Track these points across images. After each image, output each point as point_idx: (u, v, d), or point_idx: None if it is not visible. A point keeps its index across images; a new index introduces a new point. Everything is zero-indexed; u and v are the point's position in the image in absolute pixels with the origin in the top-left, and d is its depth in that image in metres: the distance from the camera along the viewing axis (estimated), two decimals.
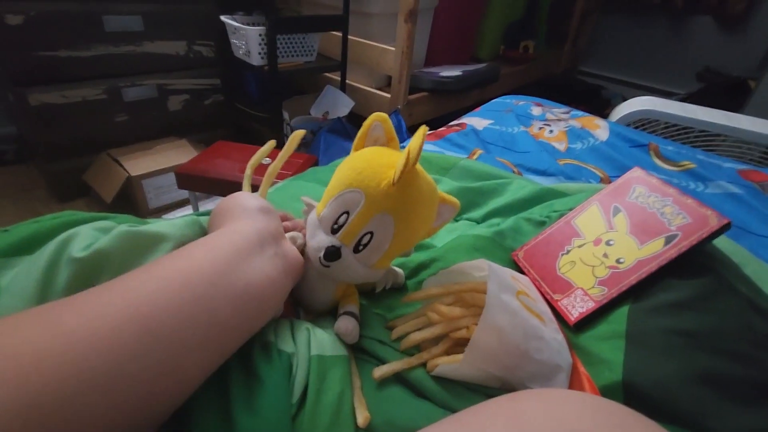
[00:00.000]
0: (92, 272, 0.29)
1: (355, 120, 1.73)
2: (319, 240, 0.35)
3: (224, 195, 1.35)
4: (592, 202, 0.45)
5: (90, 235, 0.32)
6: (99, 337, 0.21)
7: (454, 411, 0.33)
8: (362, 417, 0.31)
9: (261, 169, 1.19)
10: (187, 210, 1.52)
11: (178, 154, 1.54)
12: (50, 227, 0.32)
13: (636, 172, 0.45)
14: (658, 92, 2.43)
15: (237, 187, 1.13)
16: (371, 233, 0.34)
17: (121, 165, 1.43)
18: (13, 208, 1.47)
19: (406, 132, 1.58)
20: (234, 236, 0.31)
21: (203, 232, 0.39)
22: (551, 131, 0.93)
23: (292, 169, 1.05)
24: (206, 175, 1.03)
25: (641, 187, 0.43)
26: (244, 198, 0.37)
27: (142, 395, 0.22)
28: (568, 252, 0.43)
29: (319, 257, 0.35)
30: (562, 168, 0.80)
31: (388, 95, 1.65)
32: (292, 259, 0.35)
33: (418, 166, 0.34)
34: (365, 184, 0.33)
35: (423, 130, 0.32)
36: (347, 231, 0.34)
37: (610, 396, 0.33)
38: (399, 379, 0.35)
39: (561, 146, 0.88)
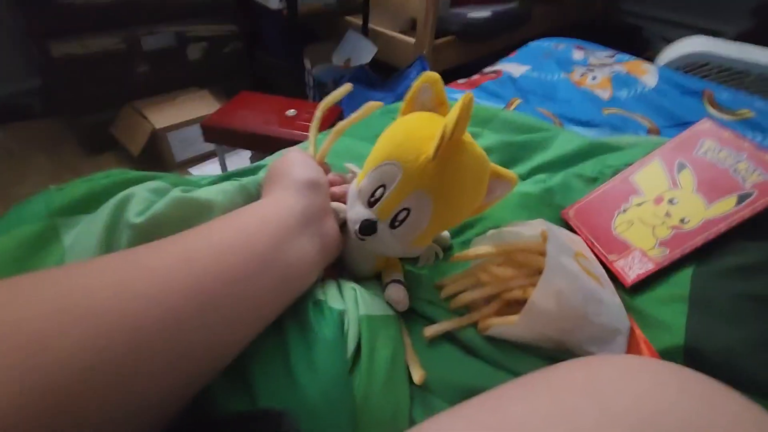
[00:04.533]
0: (149, 236, 0.30)
1: (379, 68, 1.66)
2: (356, 212, 0.33)
3: (251, 148, 1.33)
4: (653, 157, 0.42)
5: (144, 197, 0.31)
6: (168, 297, 0.21)
7: (506, 370, 0.33)
8: (418, 375, 0.32)
9: (287, 121, 1.15)
10: (214, 164, 1.52)
11: (200, 105, 1.52)
12: (104, 186, 0.32)
13: (705, 125, 0.41)
14: (703, 31, 2.22)
15: (264, 140, 1.10)
16: (408, 210, 0.31)
17: (145, 118, 1.42)
18: (47, 162, 1.50)
19: None
20: (281, 211, 0.31)
21: (250, 198, 0.39)
22: (594, 78, 0.87)
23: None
24: (233, 128, 1.01)
25: (711, 140, 0.39)
26: (296, 166, 0.36)
27: (192, 362, 0.22)
28: (625, 211, 0.40)
29: (355, 230, 0.33)
30: (606, 118, 0.75)
31: (413, 40, 1.56)
32: (329, 239, 0.34)
33: (467, 137, 0.31)
34: (403, 157, 0.30)
35: (466, 98, 0.27)
36: (383, 206, 0.32)
37: (670, 359, 0.32)
38: (449, 338, 0.35)
39: (605, 94, 0.82)
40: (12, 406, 0.15)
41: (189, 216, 0.32)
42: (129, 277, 0.21)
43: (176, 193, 0.33)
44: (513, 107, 0.77)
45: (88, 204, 0.31)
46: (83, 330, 0.17)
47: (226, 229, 0.27)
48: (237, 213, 0.30)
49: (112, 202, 0.30)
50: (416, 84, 0.34)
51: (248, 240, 0.27)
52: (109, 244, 0.29)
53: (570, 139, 0.56)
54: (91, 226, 0.29)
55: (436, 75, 0.33)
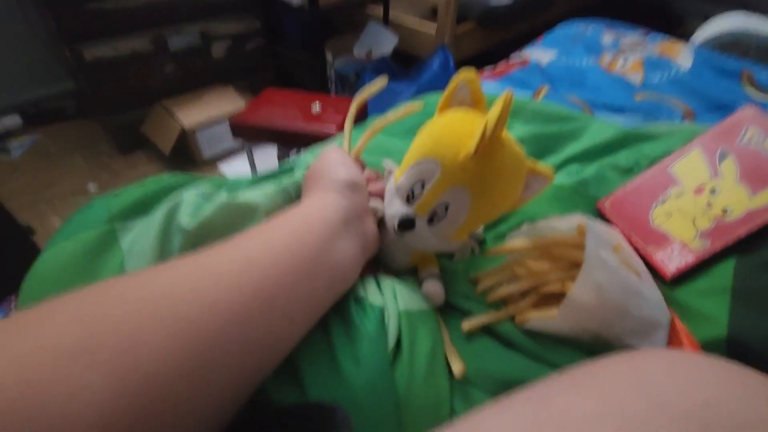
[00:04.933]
0: (199, 240, 0.32)
1: (401, 58, 1.65)
2: (395, 209, 0.34)
3: (279, 143, 1.33)
4: (693, 146, 0.41)
5: (193, 201, 0.33)
6: (236, 300, 0.22)
7: (545, 362, 0.33)
8: (458, 368, 0.32)
9: (312, 116, 1.16)
10: (241, 159, 1.55)
11: (225, 101, 1.55)
12: (155, 191, 0.34)
13: (748, 111, 0.40)
14: (738, 4, 2.10)
15: (292, 136, 1.11)
16: (446, 206, 0.32)
17: (174, 116, 1.46)
18: (83, 162, 1.56)
19: (453, 68, 1.49)
20: (326, 213, 0.32)
21: (289, 199, 0.40)
22: (625, 62, 0.84)
23: (342, 114, 1.03)
24: (261, 125, 1.03)
25: (755, 128, 0.38)
26: (335, 167, 0.37)
27: (257, 359, 0.24)
28: (664, 202, 0.40)
29: (394, 226, 0.34)
30: (638, 104, 0.73)
31: (434, 28, 1.54)
32: (369, 237, 0.35)
33: (505, 134, 0.32)
34: (442, 154, 0.31)
35: (507, 97, 0.28)
36: (422, 202, 0.33)
37: (712, 352, 0.32)
38: (487, 331, 0.36)
39: (637, 78, 0.80)
40: (109, 408, 0.16)
41: (235, 219, 0.34)
42: (202, 283, 0.22)
43: (222, 197, 0.34)
44: (541, 96, 0.76)
45: (142, 208, 0.33)
46: (168, 336, 0.19)
47: (278, 232, 0.29)
48: (285, 216, 0.31)
49: (164, 206, 0.32)
50: (453, 82, 0.34)
51: (298, 243, 0.28)
52: (163, 247, 0.31)
53: (603, 128, 0.55)
54: (146, 230, 0.31)
55: (473, 73, 0.34)
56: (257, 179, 0.43)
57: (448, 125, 0.33)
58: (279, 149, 1.19)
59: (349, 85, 1.61)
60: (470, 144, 0.29)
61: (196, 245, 0.31)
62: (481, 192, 0.31)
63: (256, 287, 0.23)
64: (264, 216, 0.36)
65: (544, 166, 0.35)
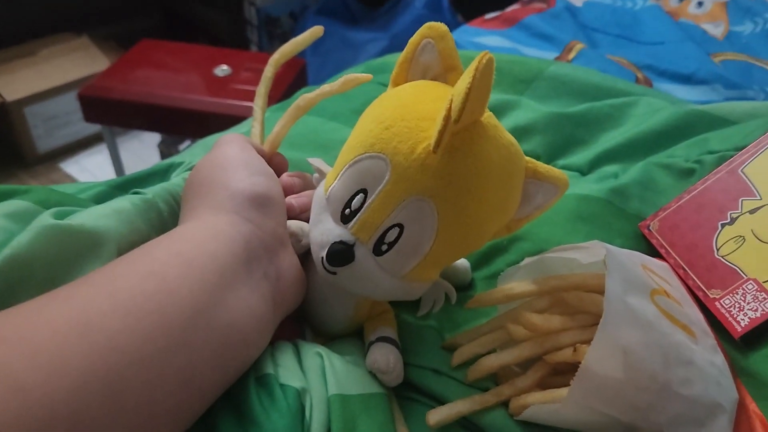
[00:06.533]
0: (8, 285, 0.32)
1: None
2: (324, 231, 0.36)
3: (159, 130, 1.33)
4: None
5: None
6: (57, 387, 0.23)
7: None
8: None
9: (216, 84, 1.16)
10: (100, 155, 1.55)
11: (77, 61, 1.55)
12: None
13: None
14: None
15: (179, 117, 1.11)
16: (400, 226, 0.34)
17: None
18: None
19: (449, 10, 1.55)
20: (214, 247, 0.33)
21: (161, 221, 0.42)
22: (700, 4, 0.90)
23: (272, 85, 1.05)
24: (132, 99, 1.03)
25: None
26: (233, 170, 0.38)
27: None
28: (734, 221, 0.43)
29: (322, 258, 0.36)
30: (718, 69, 0.78)
31: None
32: (286, 283, 0.37)
33: (488, 117, 0.34)
34: (392, 147, 0.33)
35: (482, 59, 0.28)
36: (363, 220, 0.34)
37: None
38: (467, 426, 0.38)
39: (717, 30, 0.86)
40: None
41: (67, 255, 0.35)
42: (5, 360, 0.23)
43: (46, 219, 0.34)
44: (572, 56, 0.81)
45: None
46: None
47: (134, 277, 0.29)
48: (144, 251, 0.32)
49: None
50: (414, 39, 0.36)
51: (167, 294, 0.29)
52: None
53: (656, 107, 0.59)
54: None
55: (442, 27, 0.36)
56: (106, 188, 0.44)
57: (404, 104, 0.35)
58: (163, 139, 1.20)
59: (282, 33, 1.64)
60: (433, 132, 0.31)
61: (6, 292, 0.32)
62: (451, 205, 0.33)
63: (92, 363, 0.24)
64: (115, 250, 0.37)
65: (551, 167, 0.38)
